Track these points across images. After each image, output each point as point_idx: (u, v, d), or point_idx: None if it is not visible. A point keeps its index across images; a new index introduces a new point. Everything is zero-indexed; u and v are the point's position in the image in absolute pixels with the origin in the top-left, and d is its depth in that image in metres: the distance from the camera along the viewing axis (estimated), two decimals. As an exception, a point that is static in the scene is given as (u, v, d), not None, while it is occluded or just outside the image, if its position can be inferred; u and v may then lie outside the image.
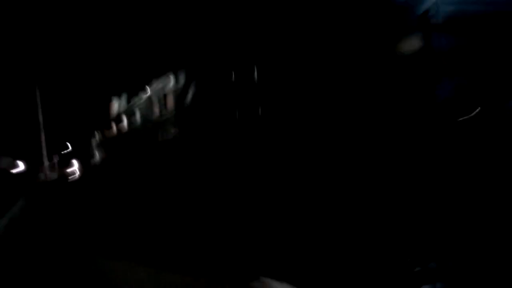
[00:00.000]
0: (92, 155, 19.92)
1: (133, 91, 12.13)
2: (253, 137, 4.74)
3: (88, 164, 22.09)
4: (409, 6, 3.15)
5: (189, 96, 7.40)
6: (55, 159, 35.30)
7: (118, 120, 14.25)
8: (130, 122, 12.51)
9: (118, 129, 13.36)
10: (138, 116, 10.97)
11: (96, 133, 22.40)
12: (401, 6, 3.18)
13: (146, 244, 5.89)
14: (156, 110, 9.46)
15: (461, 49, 2.97)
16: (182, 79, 10.11)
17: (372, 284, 3.15)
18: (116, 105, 14.88)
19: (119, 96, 14.39)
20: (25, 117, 26.92)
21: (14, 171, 32.97)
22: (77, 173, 25.25)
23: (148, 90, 10.16)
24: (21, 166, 34.93)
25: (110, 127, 15.41)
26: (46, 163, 23.70)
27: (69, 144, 26.13)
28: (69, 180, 26.58)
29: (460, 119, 2.94)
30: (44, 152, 23.29)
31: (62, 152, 26.69)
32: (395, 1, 3.22)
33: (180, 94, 7.95)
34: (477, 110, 3.11)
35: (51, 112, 25.49)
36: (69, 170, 28.71)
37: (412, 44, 3.05)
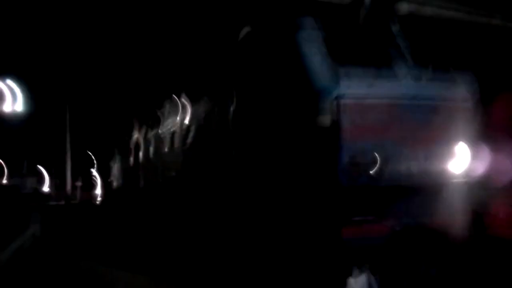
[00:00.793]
0: (112, 180, 21.22)
1: (153, 123, 13.40)
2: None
3: (109, 189, 23.41)
4: (325, 90, 4.32)
5: (191, 135, 8.62)
6: (79, 183, 37.26)
7: (137, 148, 15.45)
8: (145, 153, 13.86)
9: (134, 158, 14.66)
10: (151, 149, 12.31)
11: (116, 159, 23.80)
12: (319, 90, 4.36)
13: (148, 257, 7.20)
14: (164, 147, 10.76)
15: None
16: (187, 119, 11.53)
17: None
18: (136, 135, 16.12)
19: (140, 125, 15.63)
20: (54, 140, 28.93)
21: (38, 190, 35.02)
22: (98, 197, 26.73)
23: (160, 126, 11.52)
24: (45, 187, 37.00)
25: (129, 155, 16.68)
26: (69, 186, 25.41)
27: (93, 169, 27.80)
28: (90, 203, 28.05)
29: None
30: (68, 175, 24.93)
31: (85, 176, 28.40)
32: (314, 86, 4.40)
33: (183, 135, 9.20)
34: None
35: (78, 138, 27.34)
36: (91, 193, 30.40)
37: (325, 120, 4.18)
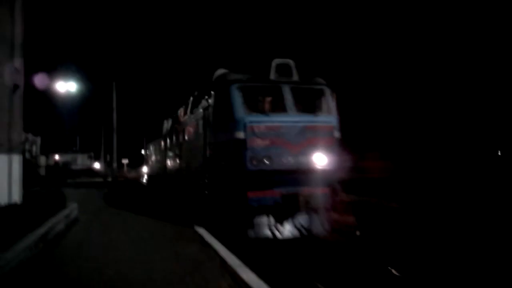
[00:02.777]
0: (152, 161, 25.45)
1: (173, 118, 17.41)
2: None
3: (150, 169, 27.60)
4: (240, 119, 8.02)
5: (187, 134, 12.61)
6: (126, 161, 42.04)
7: (164, 139, 19.46)
8: (165, 143, 17.98)
9: (164, 145, 18.76)
10: (170, 140, 16.44)
11: (149, 146, 28.04)
12: (238, 119, 8.06)
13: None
14: (174, 140, 14.87)
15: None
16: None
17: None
18: (164, 127, 20.15)
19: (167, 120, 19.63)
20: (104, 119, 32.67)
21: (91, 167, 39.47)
22: (144, 175, 30.88)
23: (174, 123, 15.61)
24: (96, 164, 41.75)
25: (161, 141, 20.63)
26: (115, 165, 29.46)
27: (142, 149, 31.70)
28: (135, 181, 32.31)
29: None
30: (115, 157, 29.08)
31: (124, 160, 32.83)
32: (236, 117, 8.11)
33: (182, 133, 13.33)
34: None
35: (123, 131, 31.20)
36: (138, 171, 34.74)
37: (240, 135, 7.93)
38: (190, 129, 12.09)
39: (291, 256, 7.46)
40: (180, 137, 14.00)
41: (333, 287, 6.29)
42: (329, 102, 8.66)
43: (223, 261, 5.86)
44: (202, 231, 8.21)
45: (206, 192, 9.78)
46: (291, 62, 8.55)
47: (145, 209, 12.34)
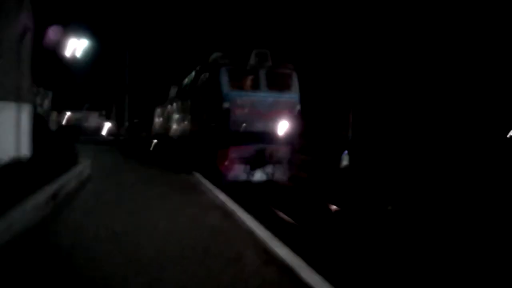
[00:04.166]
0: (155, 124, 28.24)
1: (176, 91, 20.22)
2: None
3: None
4: (227, 94, 10.97)
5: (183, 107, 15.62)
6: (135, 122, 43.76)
7: (171, 103, 22.19)
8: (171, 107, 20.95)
9: (166, 113, 21.61)
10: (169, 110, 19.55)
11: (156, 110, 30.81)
12: (224, 94, 11.02)
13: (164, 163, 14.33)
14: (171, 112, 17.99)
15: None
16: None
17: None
18: (171, 92, 22.82)
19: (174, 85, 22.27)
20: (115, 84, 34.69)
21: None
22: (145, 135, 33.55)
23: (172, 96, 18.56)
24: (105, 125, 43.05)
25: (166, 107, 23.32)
26: (126, 125, 32.18)
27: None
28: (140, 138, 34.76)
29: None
30: (126, 118, 31.86)
31: (135, 121, 35.09)
32: (222, 92, 11.05)
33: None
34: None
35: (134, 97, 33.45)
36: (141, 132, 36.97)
37: (225, 105, 10.86)
38: (191, 98, 15.03)
39: (258, 192, 10.61)
40: (183, 103, 16.91)
41: (281, 209, 9.43)
42: (294, 82, 11.55)
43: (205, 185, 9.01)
44: (198, 175, 11.34)
45: (201, 146, 12.87)
46: (267, 51, 11.39)
47: (154, 164, 15.48)
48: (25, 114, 8.57)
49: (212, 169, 11.64)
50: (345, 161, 15.32)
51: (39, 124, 10.56)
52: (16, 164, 7.38)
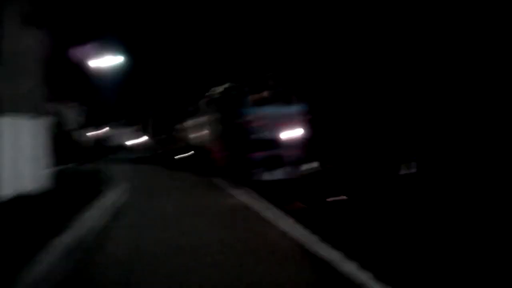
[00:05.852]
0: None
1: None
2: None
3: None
4: (244, 111, 13.65)
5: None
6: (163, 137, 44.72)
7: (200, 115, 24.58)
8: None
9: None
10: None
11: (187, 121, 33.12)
12: (242, 110, 13.68)
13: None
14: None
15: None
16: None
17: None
18: (200, 106, 25.28)
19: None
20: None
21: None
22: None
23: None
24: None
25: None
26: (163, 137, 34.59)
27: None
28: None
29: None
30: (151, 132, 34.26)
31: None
32: (241, 109, 13.71)
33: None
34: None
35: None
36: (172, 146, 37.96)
37: (243, 119, 13.48)
38: (219, 111, 17.55)
39: (276, 188, 13.17)
40: (211, 117, 19.55)
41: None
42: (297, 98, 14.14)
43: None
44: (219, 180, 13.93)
45: (227, 154, 15.48)
46: (276, 75, 14.10)
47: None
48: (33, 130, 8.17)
49: (236, 172, 14.22)
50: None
51: (67, 142, 10.38)
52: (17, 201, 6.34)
